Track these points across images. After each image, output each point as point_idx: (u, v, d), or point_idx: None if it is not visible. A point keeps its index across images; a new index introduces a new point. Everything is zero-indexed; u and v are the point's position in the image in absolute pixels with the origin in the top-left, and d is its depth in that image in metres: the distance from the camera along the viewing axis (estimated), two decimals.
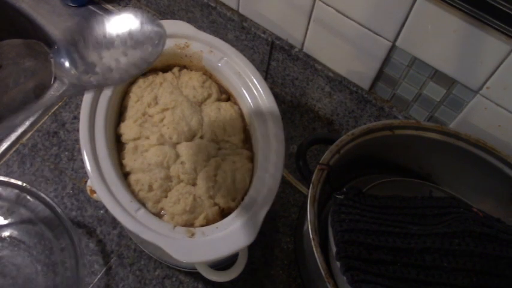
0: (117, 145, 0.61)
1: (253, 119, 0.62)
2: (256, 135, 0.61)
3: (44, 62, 0.90)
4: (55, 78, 0.45)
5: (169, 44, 0.65)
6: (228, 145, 0.63)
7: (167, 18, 0.89)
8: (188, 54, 0.66)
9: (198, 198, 0.57)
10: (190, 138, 0.61)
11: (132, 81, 0.65)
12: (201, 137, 0.62)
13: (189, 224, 0.56)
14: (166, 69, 0.67)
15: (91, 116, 0.58)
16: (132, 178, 0.58)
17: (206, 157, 0.60)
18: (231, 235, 0.53)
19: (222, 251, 0.52)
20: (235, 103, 0.66)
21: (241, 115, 0.65)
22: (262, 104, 0.62)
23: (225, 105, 0.65)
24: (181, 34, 0.66)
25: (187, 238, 0.53)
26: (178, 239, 0.52)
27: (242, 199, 0.58)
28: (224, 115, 0.63)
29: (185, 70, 0.68)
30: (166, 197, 0.57)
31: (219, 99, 0.66)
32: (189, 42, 0.66)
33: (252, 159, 0.62)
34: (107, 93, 0.60)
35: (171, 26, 0.66)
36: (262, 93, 0.62)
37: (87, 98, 0.59)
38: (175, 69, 0.67)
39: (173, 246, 0.51)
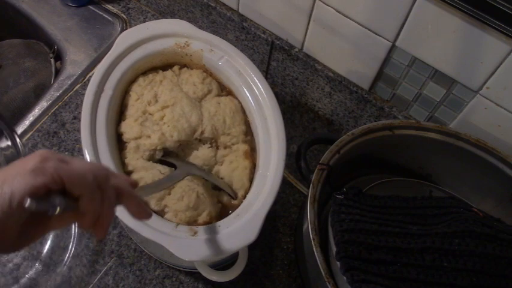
0: (118, 144, 0.61)
1: (254, 117, 0.62)
2: (257, 133, 0.61)
3: (44, 62, 0.90)
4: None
5: (170, 43, 0.65)
6: (228, 138, 0.62)
7: (167, 18, 0.89)
8: (189, 53, 0.66)
9: (201, 195, 0.57)
10: (191, 134, 0.61)
11: (133, 80, 0.65)
12: (202, 132, 0.62)
13: (192, 221, 0.56)
14: (166, 68, 0.67)
15: (92, 115, 0.58)
16: (135, 176, 0.58)
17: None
18: (232, 235, 0.53)
19: (223, 250, 0.52)
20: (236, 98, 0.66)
21: (242, 108, 0.65)
22: (263, 102, 0.62)
23: (225, 99, 0.65)
24: (182, 33, 0.66)
25: (189, 237, 0.53)
26: (181, 237, 0.52)
27: (244, 198, 0.58)
28: (224, 108, 0.63)
29: (185, 68, 0.68)
30: (169, 194, 0.57)
31: (219, 95, 0.66)
32: (189, 41, 0.66)
33: (249, 154, 0.62)
34: (108, 93, 0.60)
35: (172, 25, 0.66)
36: (263, 91, 0.62)
37: (88, 97, 0.59)
38: (176, 68, 0.67)
39: (175, 245, 0.52)
